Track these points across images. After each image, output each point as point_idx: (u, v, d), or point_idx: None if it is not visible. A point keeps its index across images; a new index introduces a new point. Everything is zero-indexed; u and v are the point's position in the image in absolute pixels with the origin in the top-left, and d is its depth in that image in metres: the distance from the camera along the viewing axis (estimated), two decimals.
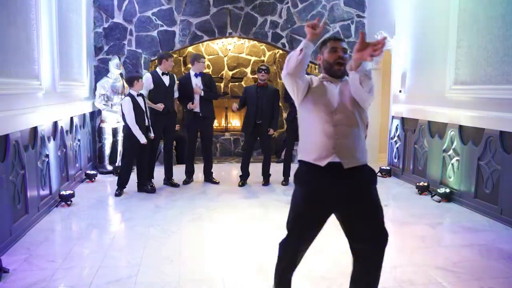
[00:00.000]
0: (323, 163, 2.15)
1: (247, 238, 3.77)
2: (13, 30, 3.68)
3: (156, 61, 5.85)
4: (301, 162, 2.26)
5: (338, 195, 2.17)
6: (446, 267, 3.17)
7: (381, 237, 2.21)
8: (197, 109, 5.64)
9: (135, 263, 3.18)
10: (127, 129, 5.10)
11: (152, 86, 5.44)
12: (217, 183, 5.83)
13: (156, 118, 5.42)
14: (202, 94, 5.60)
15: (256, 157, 7.40)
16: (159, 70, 5.52)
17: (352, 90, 2.18)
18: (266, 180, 5.81)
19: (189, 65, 6.71)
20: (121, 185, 5.21)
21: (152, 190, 5.31)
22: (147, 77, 5.50)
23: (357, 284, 2.30)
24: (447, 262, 3.28)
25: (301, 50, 2.09)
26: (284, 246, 2.33)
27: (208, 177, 5.90)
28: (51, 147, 4.59)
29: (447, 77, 5.06)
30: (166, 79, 5.51)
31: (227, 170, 6.98)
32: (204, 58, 5.87)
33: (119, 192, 5.17)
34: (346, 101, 2.21)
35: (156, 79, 5.47)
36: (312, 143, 2.19)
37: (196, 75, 5.65)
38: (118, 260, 3.25)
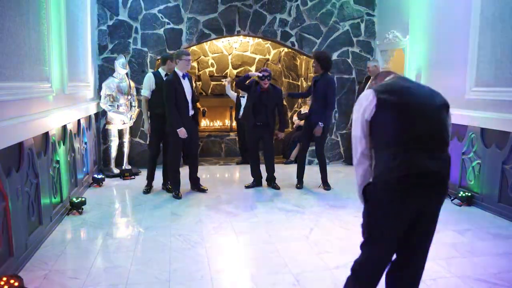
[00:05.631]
0: None
1: (275, 247, 3.61)
2: (25, 30, 3.45)
3: (160, 61, 5.54)
4: None
5: None
6: (487, 279, 3.06)
7: None
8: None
9: (164, 279, 3.00)
10: None
11: (154, 86, 5.29)
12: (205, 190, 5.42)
13: (159, 119, 5.25)
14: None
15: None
16: (162, 71, 5.35)
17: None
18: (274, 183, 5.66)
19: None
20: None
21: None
22: (149, 76, 5.36)
23: None
24: (486, 273, 3.17)
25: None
26: None
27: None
28: (61, 152, 4.36)
29: (468, 78, 4.95)
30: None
31: (234, 172, 6.81)
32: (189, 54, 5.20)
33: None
34: None
35: (158, 80, 5.29)
36: None
37: (183, 76, 5.10)
38: (146, 276, 3.06)
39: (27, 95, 3.44)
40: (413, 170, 1.97)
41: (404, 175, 1.98)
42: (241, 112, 7.16)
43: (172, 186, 5.23)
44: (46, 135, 3.92)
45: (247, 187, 5.64)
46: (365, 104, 2.07)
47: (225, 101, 8.41)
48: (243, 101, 7.08)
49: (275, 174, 5.66)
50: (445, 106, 2.14)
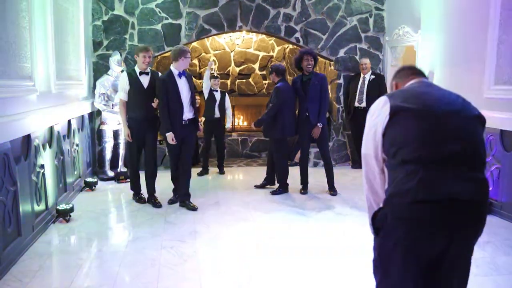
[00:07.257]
0: None
1: (276, 261, 3.28)
2: (1, 23, 3.14)
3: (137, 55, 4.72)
4: None
5: None
6: None
7: None
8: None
9: None
10: None
11: (128, 87, 4.62)
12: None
13: (135, 124, 4.66)
14: None
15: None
16: (136, 69, 4.67)
17: None
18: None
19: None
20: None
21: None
22: (123, 77, 4.69)
23: None
24: None
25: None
26: None
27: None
28: (46, 156, 4.06)
29: (486, 76, 4.58)
30: (145, 79, 4.64)
31: (235, 175, 6.47)
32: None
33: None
34: None
35: (133, 80, 4.60)
36: None
37: (179, 75, 4.53)
38: None
39: (3, 94, 3.13)
40: (433, 196, 1.54)
41: (421, 201, 1.55)
42: (216, 110, 6.18)
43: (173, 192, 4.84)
44: (27, 137, 3.61)
45: (256, 187, 5.51)
46: (376, 113, 1.74)
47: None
48: (218, 96, 6.20)
49: None
50: (480, 119, 1.78)
